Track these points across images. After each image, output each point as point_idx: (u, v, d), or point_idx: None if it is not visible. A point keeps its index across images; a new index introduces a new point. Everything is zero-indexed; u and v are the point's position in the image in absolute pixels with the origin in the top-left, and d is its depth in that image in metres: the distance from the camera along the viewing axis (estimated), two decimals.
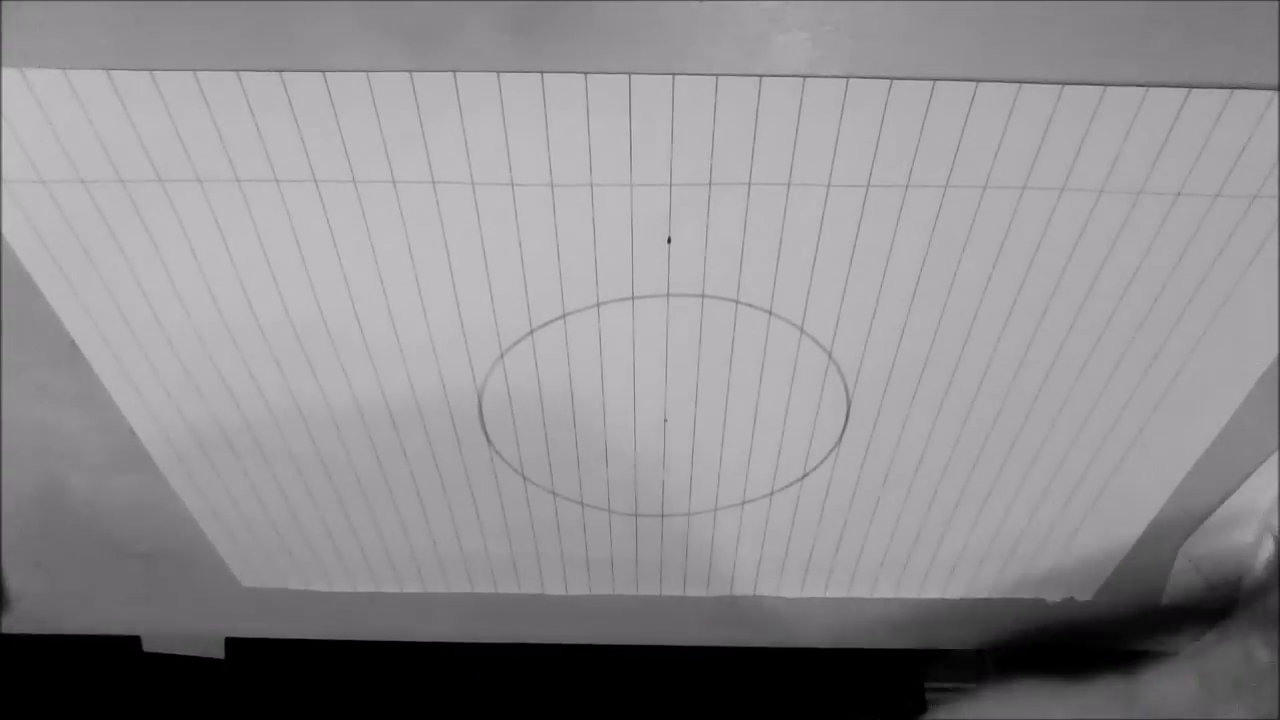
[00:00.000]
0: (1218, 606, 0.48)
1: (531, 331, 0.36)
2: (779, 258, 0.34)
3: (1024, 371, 0.37)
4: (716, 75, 0.29)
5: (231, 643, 0.56)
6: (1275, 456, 0.41)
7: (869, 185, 0.31)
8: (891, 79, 0.29)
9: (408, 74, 0.29)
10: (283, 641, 0.53)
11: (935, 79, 0.29)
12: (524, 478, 0.43)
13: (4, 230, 0.33)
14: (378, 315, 0.36)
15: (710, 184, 0.32)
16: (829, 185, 0.31)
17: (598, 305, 0.35)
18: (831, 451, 0.41)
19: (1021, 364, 0.37)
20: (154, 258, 0.34)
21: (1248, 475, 0.42)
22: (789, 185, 0.31)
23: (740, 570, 0.48)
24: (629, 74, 0.29)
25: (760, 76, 0.29)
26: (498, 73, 0.29)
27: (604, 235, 0.33)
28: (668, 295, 0.35)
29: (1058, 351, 0.37)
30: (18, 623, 0.51)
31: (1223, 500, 0.43)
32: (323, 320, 0.36)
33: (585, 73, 0.29)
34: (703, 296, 0.35)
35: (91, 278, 0.34)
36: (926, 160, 0.31)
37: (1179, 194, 0.31)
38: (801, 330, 0.36)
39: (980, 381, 0.38)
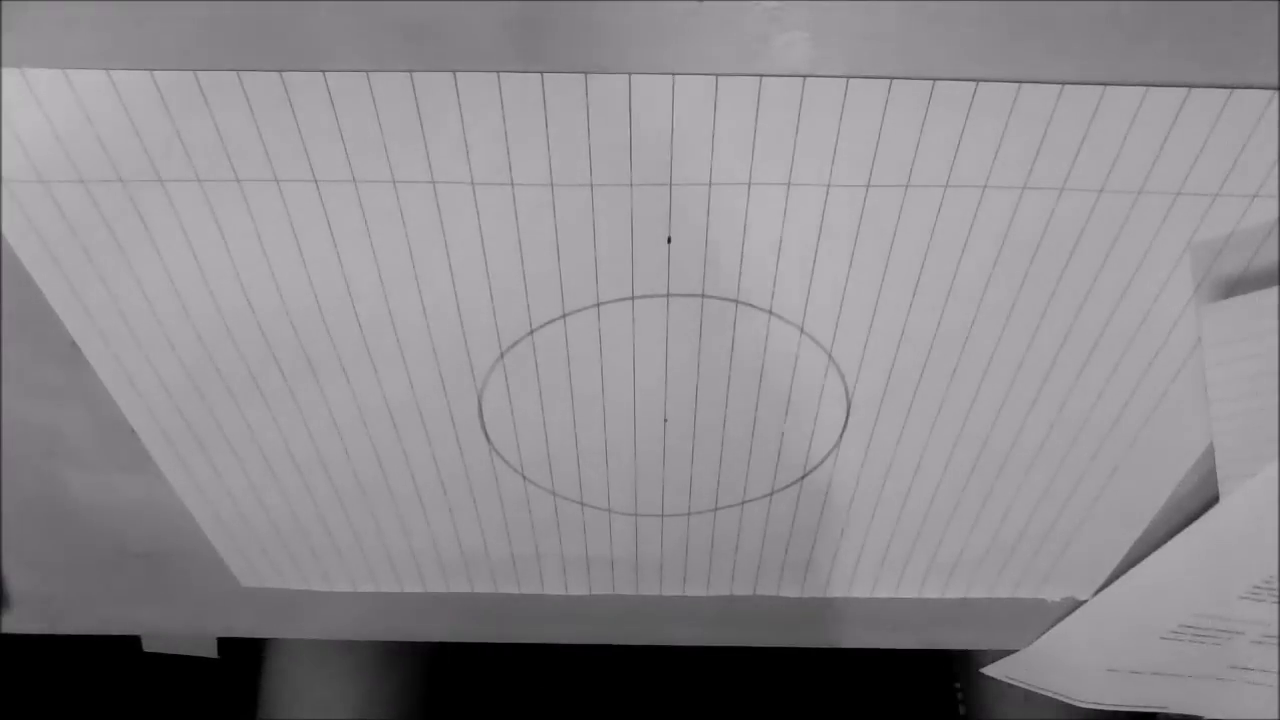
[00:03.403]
0: None
1: (531, 331, 0.36)
2: (779, 258, 0.34)
3: (1024, 371, 0.37)
4: (716, 75, 0.29)
5: (228, 643, 0.56)
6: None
7: (869, 185, 0.31)
8: (891, 79, 0.29)
9: (408, 74, 0.29)
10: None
11: (935, 79, 0.29)
12: (524, 478, 0.43)
13: (4, 230, 0.33)
14: (378, 315, 0.36)
15: (710, 184, 0.31)
16: (829, 185, 0.31)
17: (598, 305, 0.35)
18: (831, 451, 0.41)
19: (1021, 364, 0.37)
20: (154, 258, 0.34)
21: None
22: (789, 185, 0.31)
23: (740, 570, 0.48)
24: (629, 74, 0.29)
25: (760, 76, 0.29)
26: (498, 73, 0.29)
27: (604, 235, 0.33)
28: (668, 295, 0.35)
29: (1058, 351, 0.37)
30: (18, 623, 0.51)
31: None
32: (322, 320, 0.36)
33: (585, 73, 0.29)
34: (703, 296, 0.35)
35: (91, 278, 0.34)
36: (926, 160, 0.31)
37: (1179, 194, 0.31)
38: (801, 330, 0.36)
39: (980, 381, 0.38)
